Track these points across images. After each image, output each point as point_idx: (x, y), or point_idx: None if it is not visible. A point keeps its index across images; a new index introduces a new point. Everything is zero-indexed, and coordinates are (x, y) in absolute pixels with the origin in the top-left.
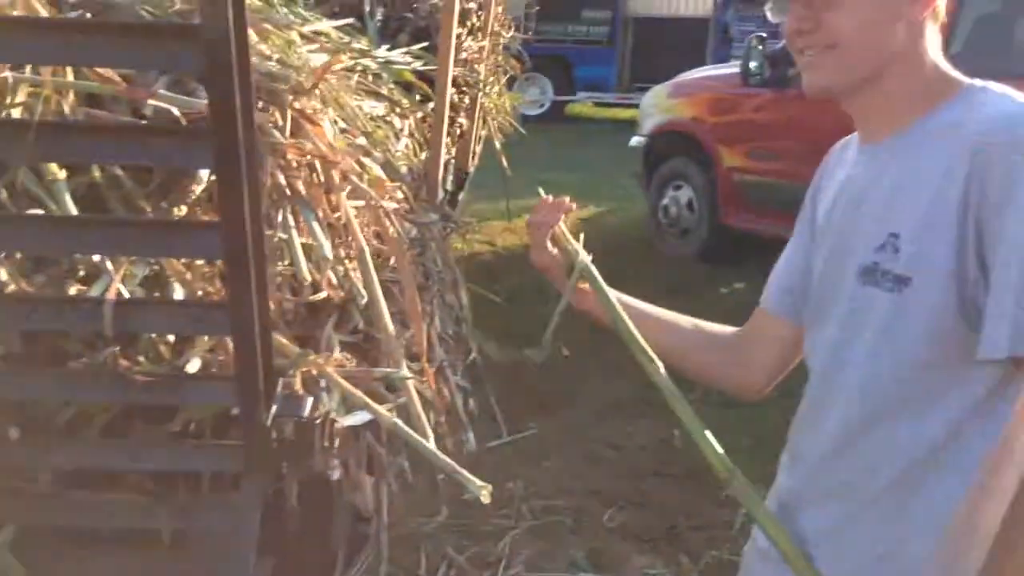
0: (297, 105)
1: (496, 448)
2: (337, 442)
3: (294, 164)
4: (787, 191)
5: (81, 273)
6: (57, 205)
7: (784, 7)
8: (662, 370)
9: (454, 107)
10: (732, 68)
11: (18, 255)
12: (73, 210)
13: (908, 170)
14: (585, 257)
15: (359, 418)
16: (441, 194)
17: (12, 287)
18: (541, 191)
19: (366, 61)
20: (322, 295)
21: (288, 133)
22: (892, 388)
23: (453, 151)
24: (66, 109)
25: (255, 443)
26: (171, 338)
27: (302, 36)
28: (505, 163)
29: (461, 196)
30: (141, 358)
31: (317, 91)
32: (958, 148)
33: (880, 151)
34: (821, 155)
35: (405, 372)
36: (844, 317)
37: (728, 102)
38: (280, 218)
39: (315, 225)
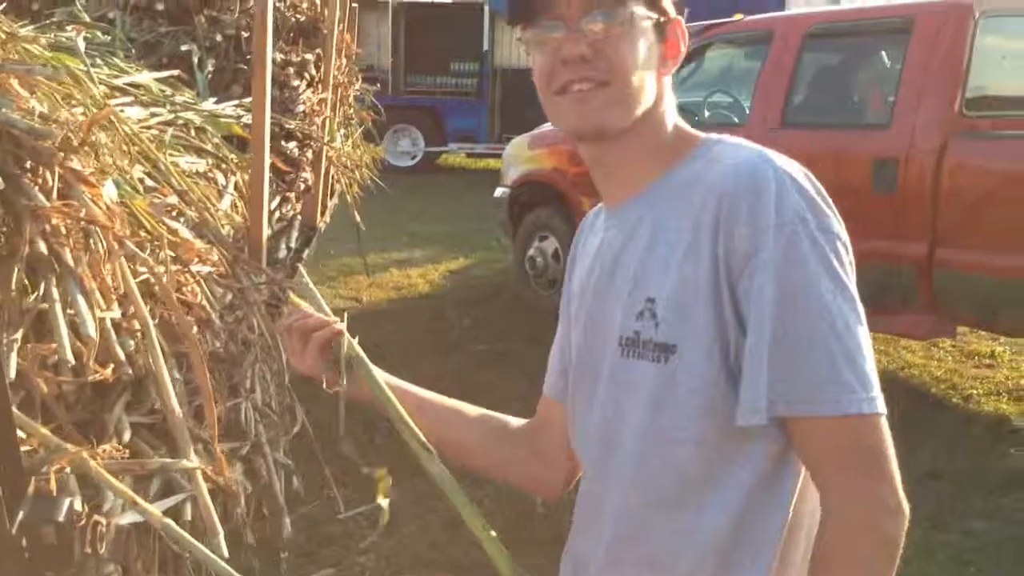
0: (74, 164)
1: (348, 519)
2: (104, 546)
3: (63, 230)
4: None
5: None
6: None
7: (551, 32)
8: (437, 460)
9: (294, 162)
10: None
11: None
12: None
13: (656, 230)
14: (356, 347)
15: (128, 517)
16: (284, 252)
17: None
18: (293, 297)
19: (189, 115)
20: (107, 373)
21: (55, 195)
22: (669, 471)
23: (298, 207)
24: None
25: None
26: None
27: (116, 89)
28: (359, 218)
29: (307, 253)
30: None
31: (105, 148)
32: (700, 203)
33: (627, 213)
34: None
35: (187, 462)
36: (609, 395)
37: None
38: (43, 290)
39: (80, 299)
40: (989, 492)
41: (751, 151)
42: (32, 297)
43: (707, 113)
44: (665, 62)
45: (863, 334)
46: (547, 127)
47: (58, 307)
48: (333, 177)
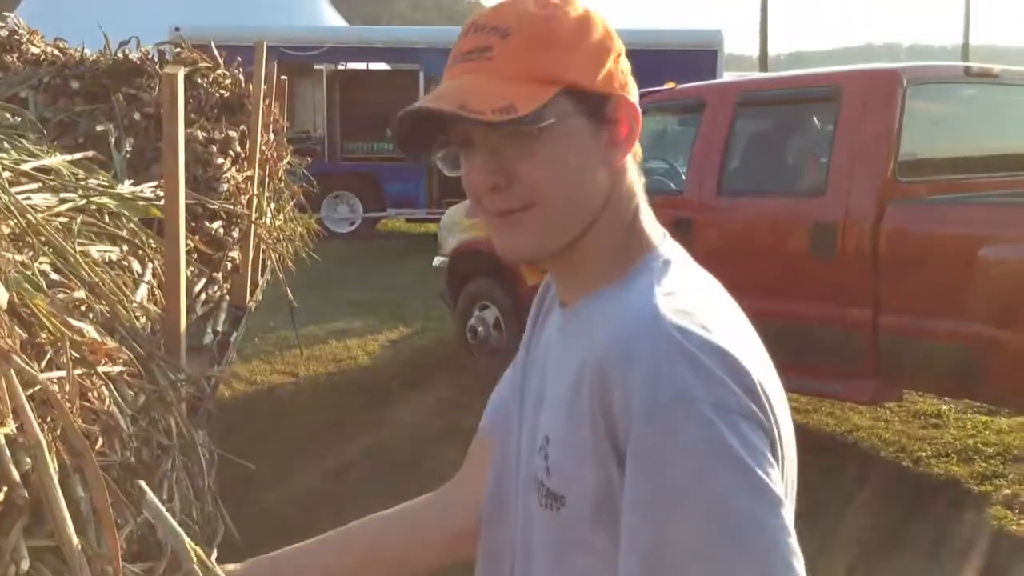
0: None
1: None
2: None
3: None
4: None
5: None
6: None
7: (460, 158)
8: None
9: (219, 242)
10: None
11: None
12: None
13: (562, 360)
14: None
15: None
16: (209, 338)
17: None
18: None
19: (103, 199)
20: None
21: None
22: None
23: (226, 288)
24: None
25: None
26: None
27: (23, 174)
28: (291, 295)
29: (234, 336)
30: None
31: (4, 244)
32: (588, 348)
33: (561, 322)
34: None
35: None
36: (519, 527)
37: None
38: None
39: None
40: (951, 560)
41: (647, 310)
42: None
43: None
44: (615, 147)
45: (779, 528)
46: None
47: None
48: (264, 253)
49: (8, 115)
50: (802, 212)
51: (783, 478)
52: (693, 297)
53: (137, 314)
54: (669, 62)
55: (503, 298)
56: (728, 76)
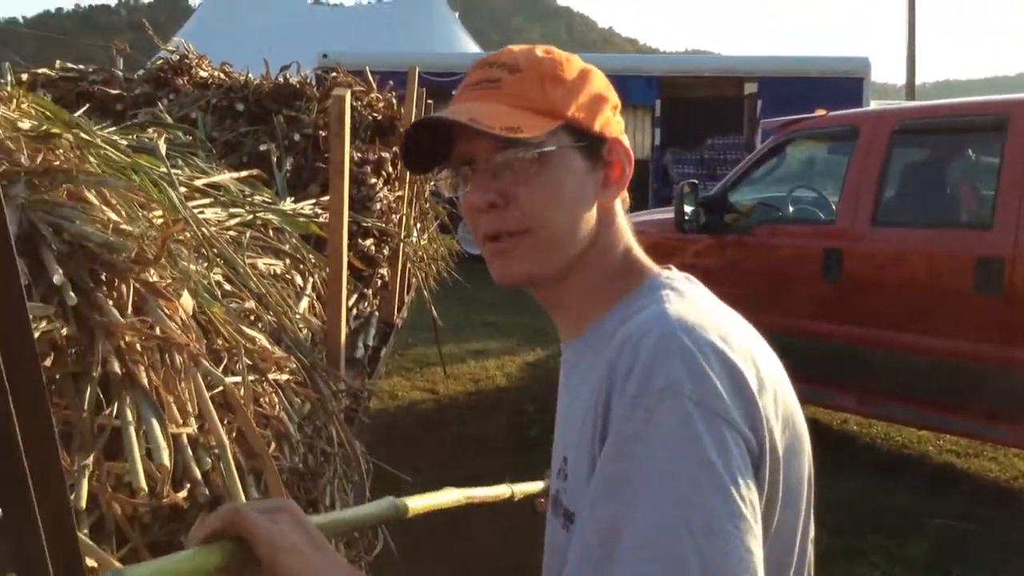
0: (149, 277)
1: None
2: None
3: (137, 347)
4: None
5: None
6: None
7: (463, 179)
8: None
9: (371, 259)
10: (666, 213)
11: None
12: None
13: (577, 384)
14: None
15: None
16: (361, 351)
17: None
18: None
19: (267, 215)
20: (182, 495)
21: (130, 310)
22: None
23: (376, 304)
24: None
25: None
26: None
27: (196, 190)
28: (435, 313)
29: (384, 351)
30: None
31: (186, 255)
32: (603, 367)
33: (569, 355)
34: (766, 301)
35: None
36: (549, 553)
37: (666, 247)
38: (117, 410)
39: (153, 422)
40: None
41: (659, 311)
42: (106, 412)
43: (791, 208)
44: (607, 188)
45: (734, 538)
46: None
47: (131, 428)
48: (409, 272)
49: (181, 134)
50: (965, 245)
51: (766, 500)
52: (702, 306)
53: (300, 325)
54: (814, 89)
55: None
56: (873, 104)
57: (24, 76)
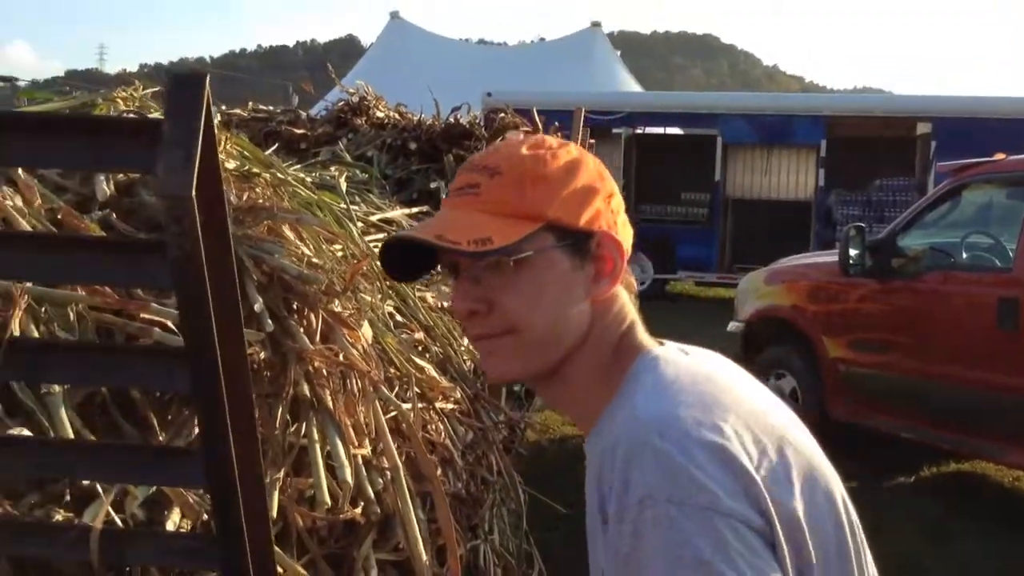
0: (336, 307)
1: None
2: None
3: (323, 371)
4: (898, 385)
5: (67, 498)
6: (51, 420)
7: (448, 278)
8: None
9: None
10: (829, 256)
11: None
12: (67, 426)
13: (594, 486)
14: None
15: None
16: (519, 385)
17: None
18: None
19: None
20: (357, 511)
21: (318, 337)
22: None
23: None
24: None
25: None
26: None
27: (371, 225)
28: None
29: None
30: None
31: (365, 286)
32: (595, 471)
33: (587, 450)
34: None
35: None
36: None
37: (829, 291)
38: (304, 429)
39: (336, 441)
40: None
41: (625, 414)
42: (292, 430)
43: (964, 255)
44: (598, 282)
45: None
46: (784, 262)
47: (317, 447)
48: None
49: (358, 171)
50: None
51: (798, 568)
52: (681, 387)
53: (465, 357)
54: (993, 131)
55: (801, 367)
56: None
57: (219, 117)
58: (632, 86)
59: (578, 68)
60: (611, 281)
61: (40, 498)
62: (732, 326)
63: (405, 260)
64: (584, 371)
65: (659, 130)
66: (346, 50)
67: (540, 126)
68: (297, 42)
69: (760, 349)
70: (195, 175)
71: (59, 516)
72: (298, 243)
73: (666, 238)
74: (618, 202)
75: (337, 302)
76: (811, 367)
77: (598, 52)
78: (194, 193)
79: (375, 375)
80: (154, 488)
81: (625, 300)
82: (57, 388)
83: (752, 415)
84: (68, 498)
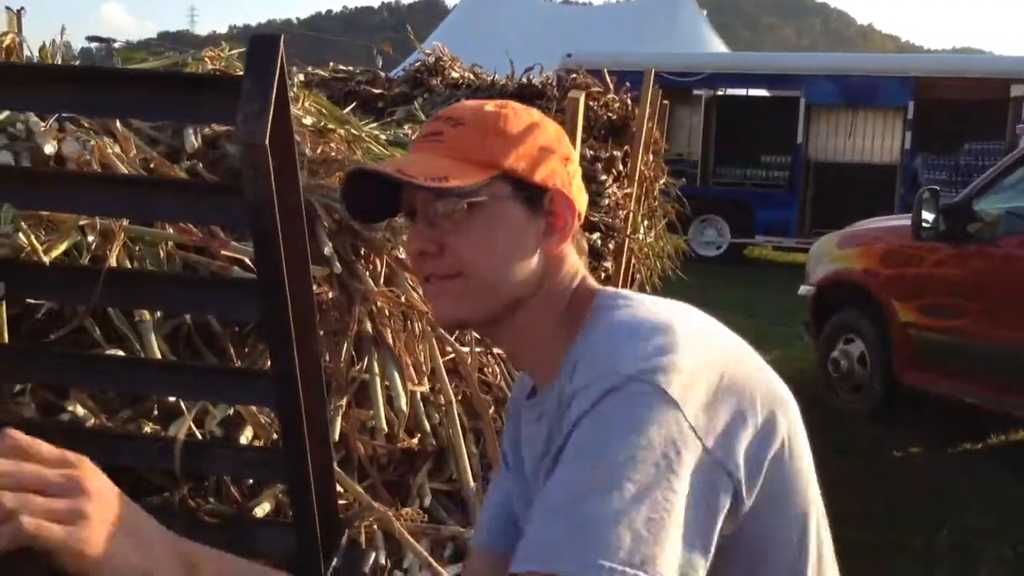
0: (398, 253)
1: None
2: None
3: (386, 312)
4: (971, 350)
5: (155, 413)
6: (142, 345)
7: (406, 222)
8: None
9: (596, 252)
10: (904, 220)
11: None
12: (156, 350)
13: (549, 434)
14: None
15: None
16: None
17: (92, 421)
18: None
19: None
20: (414, 442)
21: (382, 280)
22: None
23: None
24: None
25: None
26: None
27: None
28: None
29: None
30: (211, 499)
31: None
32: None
33: (545, 406)
34: (1007, 314)
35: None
36: None
37: (902, 255)
38: (366, 364)
39: (395, 375)
40: None
41: (611, 316)
42: (357, 368)
43: None
44: (550, 235)
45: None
46: (859, 225)
47: (377, 380)
48: (634, 267)
49: None
50: None
51: (755, 489)
52: (660, 306)
53: None
54: None
55: (870, 332)
56: None
57: (301, 76)
58: (718, 46)
59: (663, 28)
60: (561, 237)
61: (131, 413)
62: (803, 290)
63: (368, 200)
64: (536, 319)
65: (741, 91)
66: (430, 11)
67: (611, 86)
68: (382, 3)
69: (830, 314)
70: (268, 126)
71: (147, 429)
72: None
73: (745, 202)
74: (575, 167)
75: (401, 248)
76: (881, 332)
77: (683, 12)
78: (267, 141)
79: (432, 316)
80: (232, 410)
81: (576, 259)
82: (148, 316)
83: (719, 333)
84: (155, 413)
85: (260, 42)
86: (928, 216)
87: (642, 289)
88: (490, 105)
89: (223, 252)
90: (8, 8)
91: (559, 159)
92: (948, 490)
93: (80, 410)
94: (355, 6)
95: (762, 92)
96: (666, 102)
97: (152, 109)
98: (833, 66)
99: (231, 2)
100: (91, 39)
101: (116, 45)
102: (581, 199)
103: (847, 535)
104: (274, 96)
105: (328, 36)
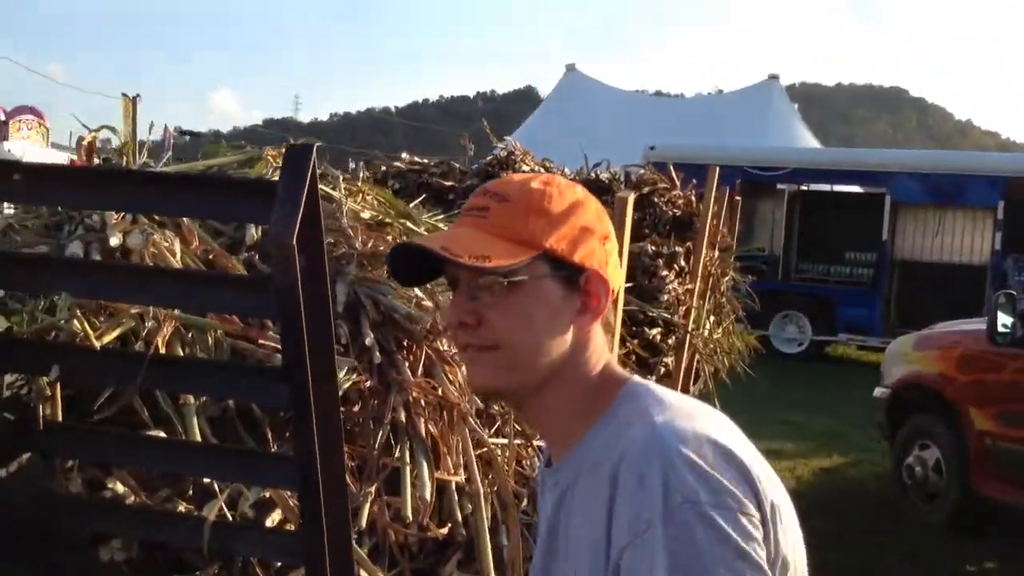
0: (438, 346)
1: None
2: None
3: (422, 403)
4: None
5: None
6: (184, 427)
7: (449, 290)
8: None
9: (655, 347)
10: (983, 323)
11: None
12: (196, 432)
13: (580, 504)
14: None
15: None
16: None
17: (132, 499)
18: None
19: None
20: (443, 531)
21: (420, 371)
22: None
23: None
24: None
25: None
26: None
27: None
28: (717, 403)
29: None
30: None
31: None
32: (605, 482)
33: (561, 474)
34: None
35: None
36: None
37: (980, 360)
38: (397, 453)
39: (423, 463)
40: None
41: (650, 426)
42: (396, 455)
43: None
44: (583, 314)
45: None
46: (938, 328)
47: (407, 468)
48: (698, 363)
49: None
50: None
51: (778, 541)
52: (683, 406)
53: None
54: None
55: (946, 439)
56: None
57: (383, 168)
58: (809, 140)
59: (753, 121)
60: (593, 316)
61: (170, 492)
62: (878, 391)
63: (412, 267)
64: (564, 395)
65: (826, 187)
66: (523, 101)
67: (676, 182)
68: (477, 92)
69: (906, 417)
70: (296, 226)
71: (182, 508)
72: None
73: (827, 298)
74: (613, 245)
75: (442, 341)
76: (957, 439)
77: (775, 105)
78: (294, 241)
79: (465, 408)
80: (266, 493)
81: (602, 338)
82: (192, 399)
83: (738, 433)
84: (190, 493)
85: (294, 151)
86: (1004, 320)
87: (706, 385)
88: (536, 182)
89: (261, 341)
90: (124, 94)
91: (598, 239)
92: None
93: (120, 488)
94: (451, 95)
95: (847, 188)
96: (738, 198)
97: (197, 208)
98: (919, 163)
99: (334, 90)
100: (182, 132)
101: (224, 132)
102: (616, 277)
103: None
104: (304, 200)
105: (425, 124)
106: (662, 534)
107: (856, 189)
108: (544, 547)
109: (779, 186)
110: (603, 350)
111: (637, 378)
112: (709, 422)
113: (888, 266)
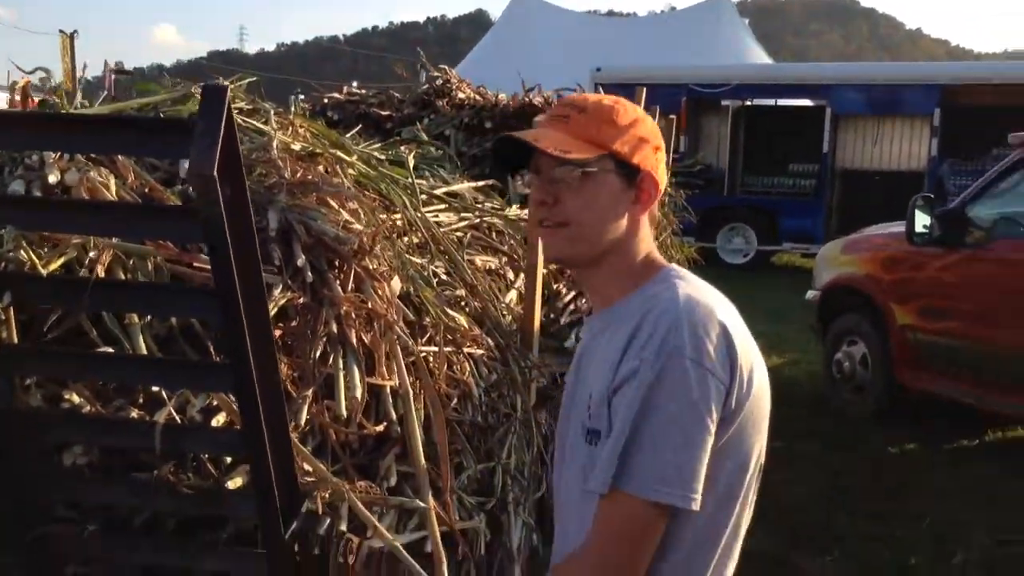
0: (367, 263)
1: None
2: (357, 563)
3: (352, 315)
4: (965, 352)
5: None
6: (131, 344)
7: (533, 180)
8: None
9: None
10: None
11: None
12: (143, 349)
13: (606, 341)
14: None
15: (375, 542)
16: (571, 342)
17: (89, 408)
18: None
19: (493, 219)
20: (378, 428)
21: (349, 288)
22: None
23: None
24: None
25: (275, 554)
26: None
27: (435, 197)
28: None
29: None
30: (191, 475)
31: (401, 248)
32: (627, 332)
33: (597, 322)
34: (1000, 315)
35: (419, 503)
36: (572, 464)
37: (903, 260)
38: (332, 361)
39: (354, 369)
40: None
41: (673, 295)
42: (330, 364)
43: None
44: (636, 204)
45: (697, 444)
46: (865, 232)
47: (341, 375)
48: None
49: (433, 149)
50: None
51: (740, 401)
52: (701, 289)
53: (504, 312)
54: None
55: (872, 335)
56: None
57: (325, 100)
58: (760, 56)
59: (704, 38)
60: (644, 207)
61: (124, 402)
62: (809, 294)
63: (511, 154)
64: (614, 268)
65: (770, 102)
66: (474, 25)
67: (642, 102)
68: (427, 17)
69: (836, 317)
70: (216, 158)
71: (135, 415)
72: (341, 211)
73: (771, 210)
74: (662, 154)
75: (375, 260)
76: (883, 335)
77: (724, 22)
78: (215, 172)
79: (391, 318)
80: (212, 399)
81: (649, 229)
82: (136, 319)
83: (734, 319)
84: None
85: (211, 91)
86: (921, 222)
87: None
88: (607, 100)
89: (196, 264)
90: (62, 31)
91: (652, 148)
92: (935, 484)
93: (77, 399)
94: (401, 21)
95: (791, 102)
96: (672, 116)
97: (123, 146)
98: (859, 75)
99: (279, 20)
100: (115, 71)
101: (168, 66)
102: (663, 178)
103: (838, 523)
104: (221, 134)
105: (373, 53)
106: (650, 366)
107: (799, 102)
108: (572, 377)
109: (723, 102)
110: (649, 239)
111: (673, 265)
112: (719, 304)
113: (830, 176)
